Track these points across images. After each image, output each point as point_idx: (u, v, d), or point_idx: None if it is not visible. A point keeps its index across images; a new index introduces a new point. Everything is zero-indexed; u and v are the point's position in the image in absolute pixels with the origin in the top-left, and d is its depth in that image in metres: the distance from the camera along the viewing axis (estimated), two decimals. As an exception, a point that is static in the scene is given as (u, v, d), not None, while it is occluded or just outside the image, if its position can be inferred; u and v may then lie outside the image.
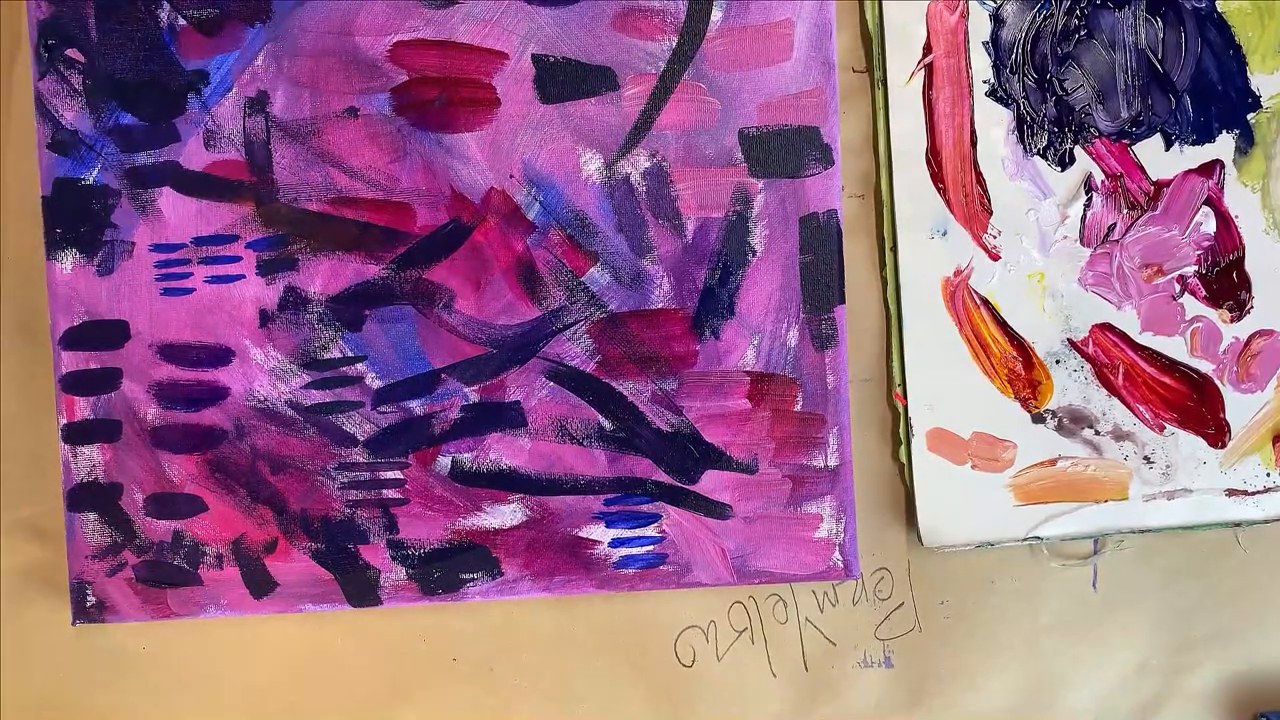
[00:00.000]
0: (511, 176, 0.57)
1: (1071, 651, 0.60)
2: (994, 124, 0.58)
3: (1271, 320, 0.58)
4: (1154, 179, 0.58)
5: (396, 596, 0.58)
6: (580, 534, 0.58)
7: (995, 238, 0.58)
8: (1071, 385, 0.58)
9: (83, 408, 0.57)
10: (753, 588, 0.59)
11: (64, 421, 0.57)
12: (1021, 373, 0.58)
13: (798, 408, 0.58)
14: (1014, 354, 0.58)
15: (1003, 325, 0.58)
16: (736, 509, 0.58)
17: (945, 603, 0.59)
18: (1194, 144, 0.58)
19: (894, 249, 0.58)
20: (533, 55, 0.57)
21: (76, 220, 0.57)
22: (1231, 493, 0.59)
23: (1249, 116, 0.58)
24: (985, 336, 0.58)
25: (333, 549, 0.58)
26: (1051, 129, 0.58)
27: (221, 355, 0.57)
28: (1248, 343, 0.58)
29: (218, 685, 0.59)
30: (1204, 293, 0.58)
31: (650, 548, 0.58)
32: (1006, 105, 0.58)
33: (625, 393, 0.58)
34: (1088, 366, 0.58)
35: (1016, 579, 0.60)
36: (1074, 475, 0.59)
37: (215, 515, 0.58)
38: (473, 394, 0.58)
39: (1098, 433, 0.59)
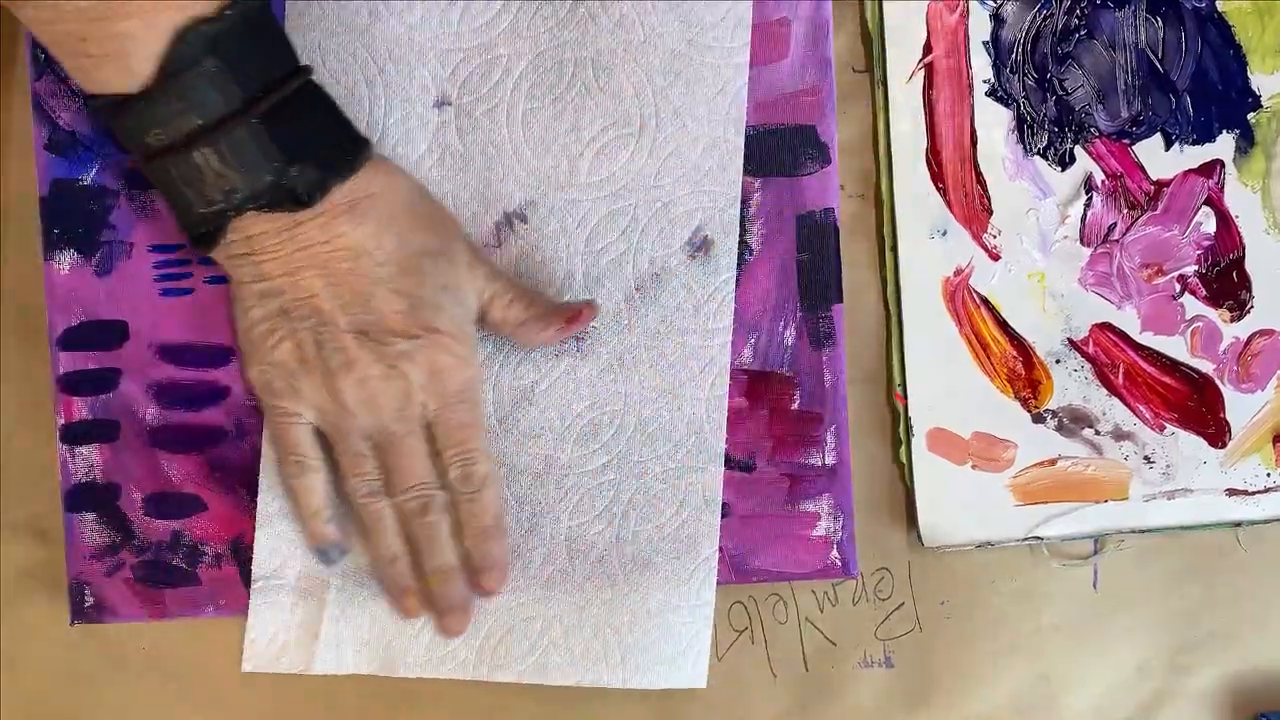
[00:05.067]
0: (510, 176, 0.57)
1: (1071, 652, 0.59)
2: (994, 124, 0.58)
3: (1271, 320, 0.58)
4: (1154, 179, 0.58)
5: (395, 596, 0.58)
6: (579, 534, 0.58)
7: (995, 238, 0.58)
8: (1071, 385, 0.58)
9: (81, 408, 0.57)
10: (752, 587, 0.59)
11: (62, 422, 0.57)
12: (1021, 372, 0.58)
13: (795, 406, 0.57)
14: (1014, 354, 0.58)
15: (1003, 325, 0.58)
16: (734, 507, 0.58)
17: (945, 603, 0.59)
18: (1194, 144, 0.58)
19: (894, 249, 0.58)
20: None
21: (74, 221, 0.56)
22: (1232, 493, 0.58)
23: (1249, 116, 0.58)
24: (985, 336, 0.58)
25: (331, 549, 0.58)
26: (1051, 129, 0.58)
27: (221, 355, 0.57)
28: (1248, 342, 0.58)
29: (218, 685, 0.59)
30: (1204, 292, 0.58)
31: (649, 548, 0.58)
32: (1006, 105, 0.58)
33: (624, 392, 0.58)
34: (1088, 366, 0.58)
35: (1016, 579, 0.59)
36: (1074, 475, 0.58)
37: (214, 515, 0.57)
38: (471, 394, 0.58)
39: (1098, 432, 0.58)
